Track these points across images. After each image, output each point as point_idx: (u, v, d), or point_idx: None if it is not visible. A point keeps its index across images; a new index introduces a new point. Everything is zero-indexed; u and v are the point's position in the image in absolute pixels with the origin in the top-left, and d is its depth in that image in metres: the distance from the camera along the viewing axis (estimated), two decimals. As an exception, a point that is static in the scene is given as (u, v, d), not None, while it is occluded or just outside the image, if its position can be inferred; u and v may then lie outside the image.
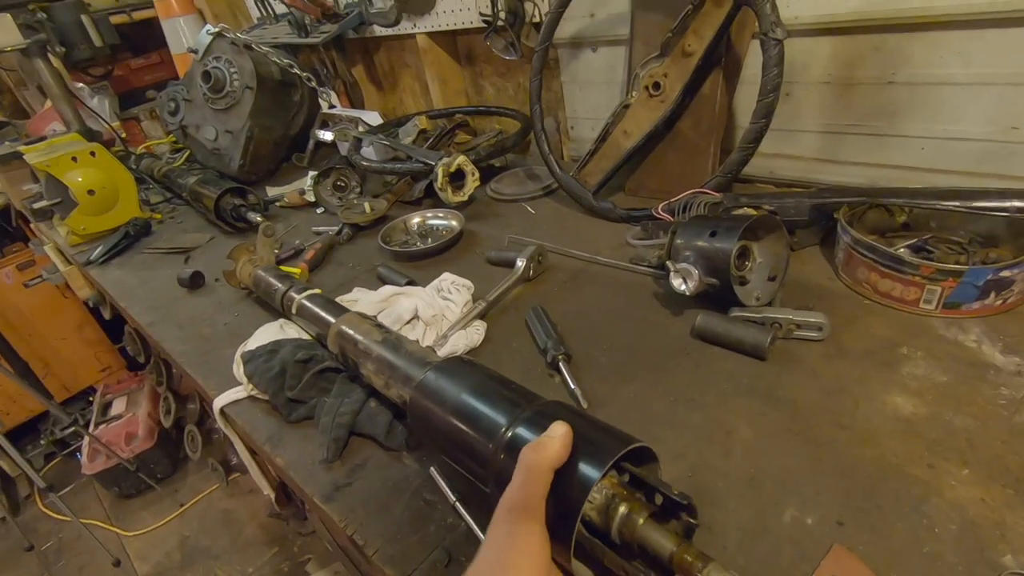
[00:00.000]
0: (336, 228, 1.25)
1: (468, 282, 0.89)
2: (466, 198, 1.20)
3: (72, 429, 2.48)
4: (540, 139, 1.16)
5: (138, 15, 2.33)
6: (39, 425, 2.58)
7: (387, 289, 0.90)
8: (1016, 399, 0.57)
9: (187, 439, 2.10)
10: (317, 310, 0.79)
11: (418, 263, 1.07)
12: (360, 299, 0.90)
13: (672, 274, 0.76)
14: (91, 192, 1.45)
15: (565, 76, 1.34)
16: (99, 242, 1.47)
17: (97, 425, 2.30)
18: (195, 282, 1.14)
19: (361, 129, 1.53)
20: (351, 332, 0.70)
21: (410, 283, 0.97)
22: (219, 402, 0.80)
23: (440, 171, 1.16)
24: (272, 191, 1.58)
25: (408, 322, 0.83)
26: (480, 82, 1.67)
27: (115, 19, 2.15)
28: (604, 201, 1.09)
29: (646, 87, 1.05)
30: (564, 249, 1.00)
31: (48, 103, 1.95)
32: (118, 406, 2.41)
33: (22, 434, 2.55)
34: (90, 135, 1.84)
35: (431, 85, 1.67)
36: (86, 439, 2.18)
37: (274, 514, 2.01)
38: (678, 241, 0.79)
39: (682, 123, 1.05)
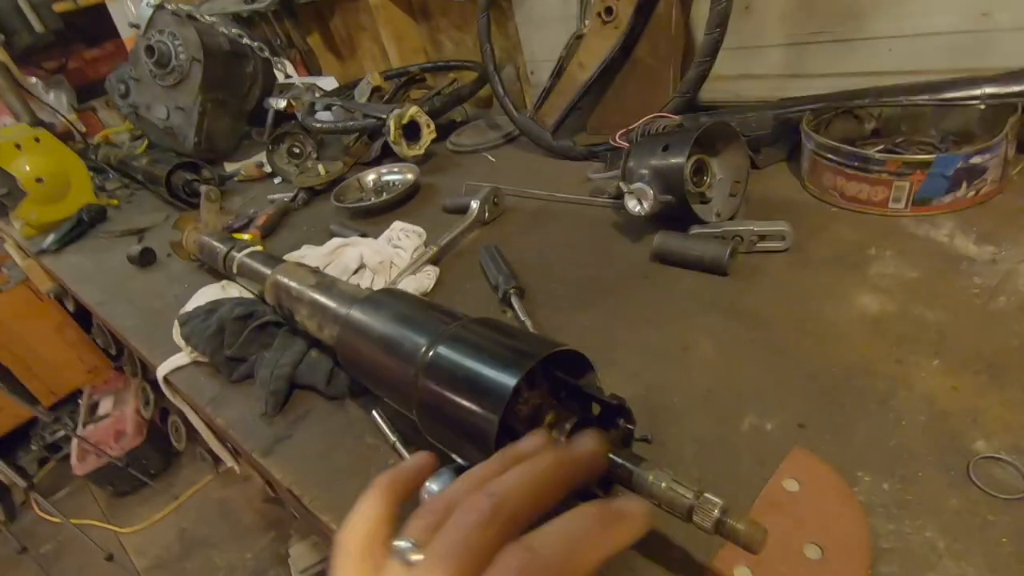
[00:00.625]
0: (291, 194, 1.20)
1: (419, 228, 0.85)
2: (422, 151, 1.15)
3: (62, 433, 2.46)
4: (494, 81, 1.10)
5: (84, 1, 2.24)
6: (30, 431, 2.56)
7: (333, 242, 0.85)
8: (990, 287, 0.53)
9: (171, 430, 2.07)
10: (256, 265, 0.75)
11: (374, 219, 1.02)
12: (307, 254, 0.85)
13: (626, 196, 0.72)
14: (39, 180, 1.40)
15: (520, 17, 1.27)
16: (53, 231, 1.42)
17: (85, 425, 2.27)
18: (145, 259, 1.09)
19: (317, 95, 1.47)
20: (285, 280, 0.66)
21: (362, 236, 0.92)
22: (162, 371, 0.75)
23: (392, 123, 1.10)
24: (230, 167, 1.53)
25: (355, 271, 0.78)
26: (438, 38, 1.60)
27: (60, 6, 2.07)
28: (564, 140, 1.04)
29: (598, 14, 0.99)
30: (522, 190, 0.95)
31: (-6, 96, 1.88)
32: (105, 405, 2.38)
33: (13, 441, 2.52)
34: (47, 128, 1.77)
35: (387, 45, 1.60)
36: (75, 441, 2.16)
37: (268, 499, 1.99)
38: (631, 164, 0.74)
39: (639, 49, 1.00)
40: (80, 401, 2.48)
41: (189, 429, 2.11)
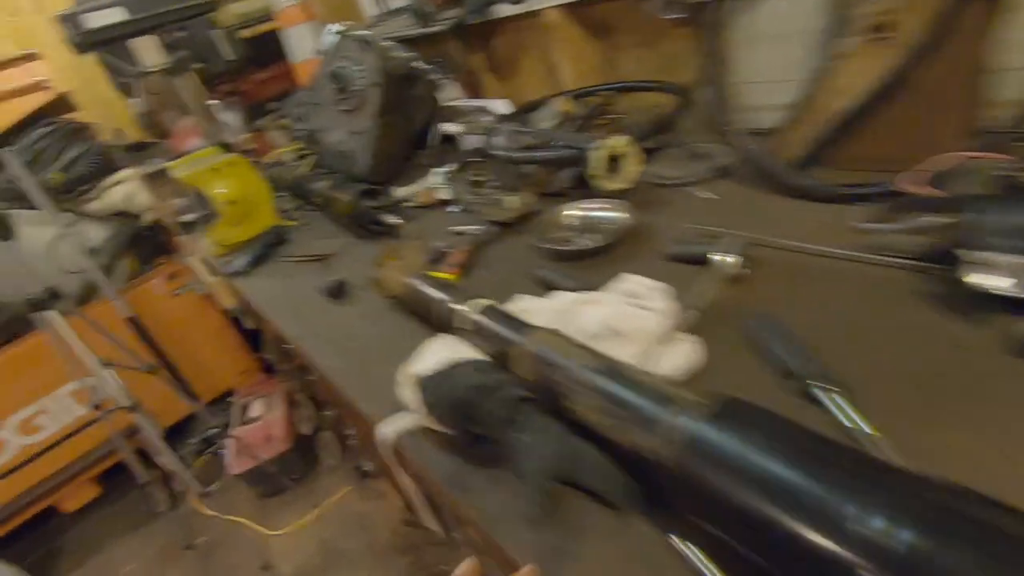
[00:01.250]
0: (478, 227, 1.14)
1: (665, 285, 0.73)
2: (626, 185, 1.04)
3: (217, 429, 2.63)
4: (718, 105, 0.97)
5: (261, 28, 2.39)
6: (188, 426, 2.77)
7: (564, 296, 0.76)
8: None
9: (321, 445, 2.12)
10: (496, 327, 0.67)
11: (582, 263, 0.93)
12: (530, 308, 0.76)
13: (972, 266, 0.55)
14: (232, 203, 1.45)
15: (733, 32, 1.13)
16: (240, 252, 1.48)
17: (239, 426, 2.41)
18: (338, 292, 1.07)
19: (490, 119, 1.42)
20: (554, 356, 0.57)
21: (581, 288, 0.82)
22: (385, 431, 0.70)
23: (596, 156, 1.01)
24: (399, 191, 1.51)
25: (596, 336, 0.68)
26: (616, 56, 1.49)
27: (244, 33, 2.22)
28: (802, 177, 0.88)
29: (867, 30, 0.83)
30: (771, 239, 0.81)
31: (186, 120, 2.03)
32: (256, 408, 2.51)
33: (173, 433, 2.73)
34: (228, 149, 1.89)
35: (561, 65, 1.52)
36: (230, 440, 2.29)
37: (409, 521, 1.98)
38: (975, 221, 0.57)
39: (922, 71, 0.82)
40: (232, 401, 2.64)
41: (343, 444, 2.16)
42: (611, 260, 0.91)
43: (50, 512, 2.49)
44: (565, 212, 1.02)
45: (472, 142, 1.55)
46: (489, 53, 1.83)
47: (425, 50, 1.85)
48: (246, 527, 2.29)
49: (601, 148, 1.00)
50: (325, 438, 2.06)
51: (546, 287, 0.88)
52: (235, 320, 2.63)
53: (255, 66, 2.72)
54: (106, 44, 1.68)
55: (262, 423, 2.37)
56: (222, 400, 2.81)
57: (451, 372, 0.66)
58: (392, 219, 1.21)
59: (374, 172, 1.59)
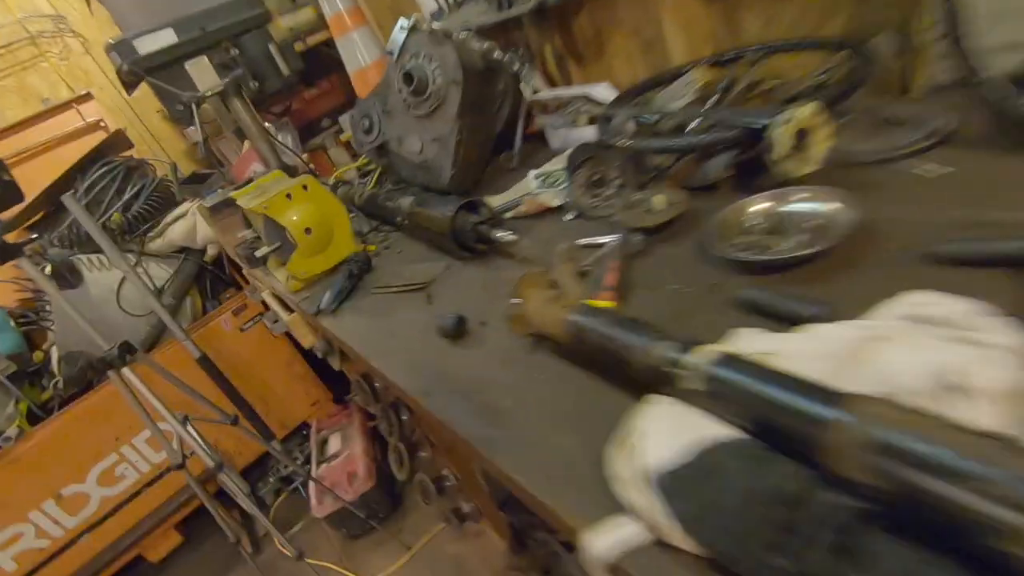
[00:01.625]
0: (612, 236, 0.92)
1: (984, 305, 0.50)
2: (815, 167, 0.80)
3: (293, 468, 2.51)
4: (955, 49, 0.72)
5: (312, 40, 2.25)
6: (266, 463, 2.66)
7: (826, 332, 0.53)
8: None
9: (418, 489, 1.95)
10: (765, 389, 0.45)
11: (790, 275, 0.70)
12: (775, 351, 0.54)
13: None
14: (308, 231, 1.29)
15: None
16: (319, 285, 1.31)
17: (319, 464, 2.27)
18: (458, 330, 0.88)
19: (596, 106, 1.20)
20: (912, 442, 0.35)
21: (815, 315, 0.59)
22: (599, 547, 0.49)
23: (782, 133, 0.77)
24: (496, 200, 1.31)
25: (924, 394, 0.45)
26: (737, 17, 1.25)
27: (296, 47, 2.08)
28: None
29: None
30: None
31: (246, 145, 1.90)
32: (334, 443, 2.37)
33: (248, 473, 2.63)
34: (288, 171, 1.74)
35: (671, 34, 1.29)
36: (312, 483, 2.15)
37: (513, 567, 1.78)
38: None
39: None
40: (309, 436, 2.51)
41: (412, 460, 1.99)
42: (833, 269, 0.68)
43: (137, 562, 2.41)
44: (751, 209, 0.79)
45: (574, 137, 1.33)
46: (571, 35, 1.61)
47: (501, 38, 1.65)
48: (335, 572, 2.14)
49: (790, 121, 0.77)
50: (421, 482, 1.88)
51: (757, 313, 0.66)
52: (302, 349, 2.50)
53: (303, 83, 2.60)
54: (158, 71, 1.55)
55: (343, 460, 2.22)
56: (295, 434, 2.70)
57: (715, 468, 0.44)
58: (502, 234, 1.01)
59: (459, 181, 1.40)
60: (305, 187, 1.29)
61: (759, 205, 0.79)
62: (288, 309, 1.46)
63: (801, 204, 0.76)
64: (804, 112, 0.78)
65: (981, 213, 0.65)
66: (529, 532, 1.63)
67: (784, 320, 0.62)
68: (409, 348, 0.93)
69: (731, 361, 0.50)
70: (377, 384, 1.71)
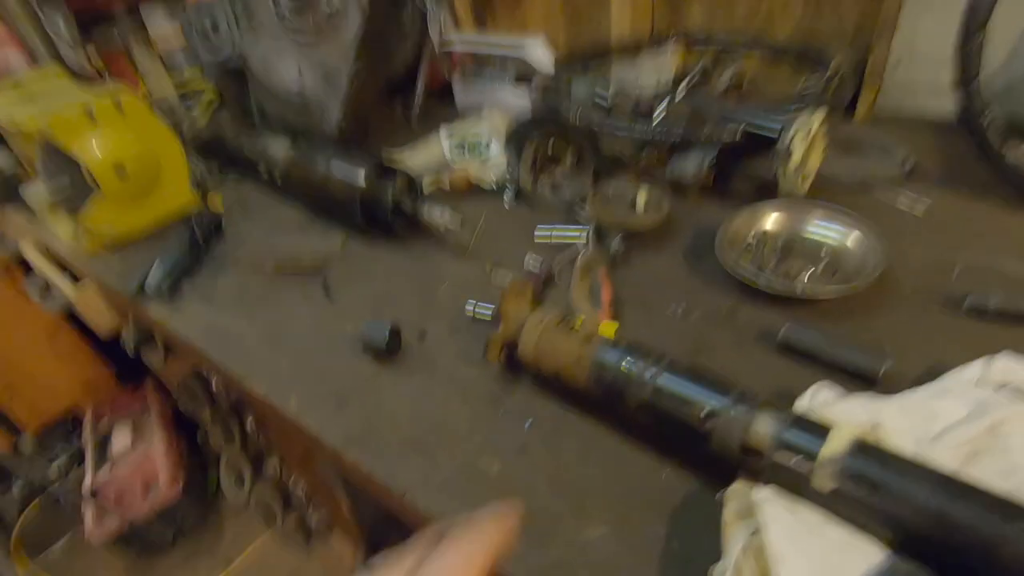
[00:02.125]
0: (579, 233, 0.77)
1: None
2: (810, 181, 0.74)
3: (57, 472, 1.92)
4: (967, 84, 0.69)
5: None
6: (7, 466, 1.98)
7: (941, 404, 0.44)
8: None
9: (259, 509, 1.59)
10: (938, 500, 0.34)
11: (810, 309, 0.62)
12: (884, 424, 0.44)
13: None
14: (120, 171, 0.88)
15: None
16: (134, 249, 0.92)
17: (97, 470, 1.74)
18: (393, 345, 0.64)
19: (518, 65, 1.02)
20: None
21: (886, 370, 0.52)
22: None
23: (798, 141, 0.69)
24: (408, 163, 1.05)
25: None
26: (681, 2, 1.15)
27: None
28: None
29: None
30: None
31: (-6, 21, 1.27)
32: (121, 439, 1.84)
33: (-16, 476, 1.94)
34: (73, 73, 1.21)
35: (617, 10, 1.15)
36: (87, 498, 1.64)
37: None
38: None
39: None
40: (82, 433, 1.93)
41: (254, 478, 1.64)
42: (852, 307, 0.61)
43: None
44: (762, 222, 0.69)
45: (496, 99, 1.12)
46: (484, -25, 1.37)
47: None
48: (120, 605, 1.68)
49: (805, 127, 0.69)
50: (261, 499, 1.52)
51: (798, 356, 0.56)
52: (76, 320, 1.88)
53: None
54: None
55: (135, 462, 1.74)
56: (60, 427, 2.06)
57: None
58: (442, 217, 0.77)
59: (347, 130, 1.10)
60: (119, 104, 0.87)
61: (770, 219, 0.70)
62: (74, 278, 1.01)
63: (820, 225, 0.68)
64: (816, 120, 0.70)
65: (990, 260, 0.64)
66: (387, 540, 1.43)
67: (840, 371, 0.54)
68: (311, 366, 0.66)
69: (873, 454, 0.38)
70: (215, 382, 1.32)
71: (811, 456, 0.39)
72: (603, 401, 0.50)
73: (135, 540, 1.71)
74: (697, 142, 0.78)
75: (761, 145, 0.75)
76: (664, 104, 0.85)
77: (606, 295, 0.63)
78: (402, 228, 0.85)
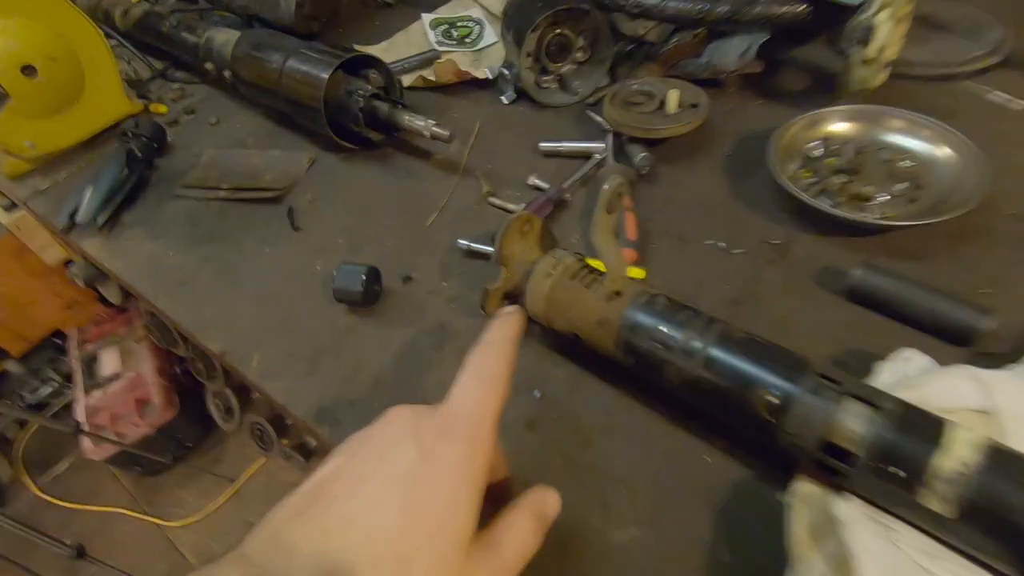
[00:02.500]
0: (598, 146, 0.62)
1: None
2: (887, 72, 0.59)
3: (50, 392, 1.89)
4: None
5: None
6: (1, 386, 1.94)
7: None
8: None
9: (250, 433, 1.55)
10: None
11: (878, 241, 0.50)
12: (999, 408, 0.34)
13: None
14: (29, 71, 0.72)
15: None
16: (65, 170, 0.78)
17: (89, 391, 1.70)
18: (371, 293, 0.53)
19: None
20: None
21: (990, 330, 0.41)
22: None
23: (885, 21, 0.53)
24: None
25: None
26: None
27: None
28: None
29: None
30: None
31: None
32: (109, 361, 1.78)
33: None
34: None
35: None
36: (79, 406, 1.61)
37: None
38: None
39: None
40: (69, 351, 1.86)
41: (242, 407, 1.61)
42: (935, 238, 0.49)
43: None
44: (824, 131, 0.55)
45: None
46: None
47: None
48: (130, 519, 1.72)
49: (892, 5, 0.52)
50: (255, 424, 1.49)
51: (870, 306, 0.45)
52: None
53: None
54: None
55: (126, 384, 1.69)
56: (44, 348, 2.00)
57: None
58: (423, 124, 0.62)
59: (308, 16, 0.91)
60: (15, -16, 0.69)
61: (836, 127, 0.55)
62: (12, 204, 0.88)
63: (901, 133, 0.54)
64: (904, -7, 0.53)
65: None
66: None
67: (925, 327, 0.43)
68: (275, 317, 0.55)
69: (1015, 466, 0.28)
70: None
71: (922, 467, 0.29)
72: (634, 371, 0.40)
73: (137, 460, 1.71)
74: (745, 21, 0.61)
75: (824, 25, 0.59)
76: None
77: (631, 229, 0.51)
78: (381, 139, 0.70)
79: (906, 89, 0.62)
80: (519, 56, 0.69)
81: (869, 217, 0.48)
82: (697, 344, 0.36)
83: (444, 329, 0.51)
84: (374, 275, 0.53)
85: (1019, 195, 0.51)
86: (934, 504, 0.29)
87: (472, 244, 0.55)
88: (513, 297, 0.45)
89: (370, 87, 0.67)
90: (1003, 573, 0.28)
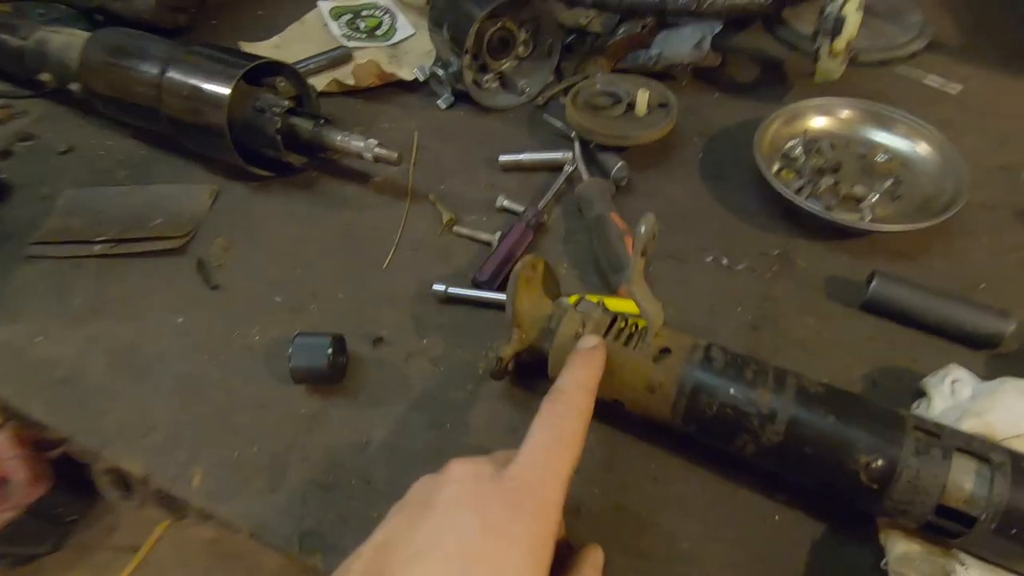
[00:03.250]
0: (563, 155, 0.56)
1: None
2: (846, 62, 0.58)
3: None
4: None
5: None
6: None
7: None
8: None
9: (104, 484, 1.32)
10: None
11: (871, 242, 0.49)
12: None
13: None
14: None
15: None
16: None
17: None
18: (338, 371, 0.42)
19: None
20: None
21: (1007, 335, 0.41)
22: None
23: (854, 10, 0.51)
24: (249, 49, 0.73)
25: None
26: None
27: None
28: None
29: None
30: None
31: None
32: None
33: None
34: None
35: None
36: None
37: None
38: None
39: None
40: None
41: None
42: (930, 239, 0.49)
43: None
44: (803, 128, 0.52)
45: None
46: None
47: None
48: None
49: (859, -7, 0.51)
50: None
51: (891, 318, 0.43)
52: None
53: None
54: None
55: (-26, 465, 1.38)
56: None
57: None
58: (360, 144, 0.51)
59: (171, 8, 0.74)
60: None
61: (813, 123, 0.53)
62: None
63: (871, 130, 0.53)
64: (865, -21, 0.52)
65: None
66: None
67: (943, 333, 0.42)
68: (208, 411, 0.43)
69: None
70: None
71: (1053, 525, 0.27)
72: (695, 437, 0.35)
73: (4, 552, 1.41)
74: (710, 11, 0.57)
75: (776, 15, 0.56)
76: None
77: (642, 261, 0.45)
78: (303, 163, 0.58)
79: (850, 77, 0.62)
80: (459, 53, 0.60)
81: (874, 225, 0.46)
82: (775, 406, 0.31)
83: (437, 400, 0.42)
84: (340, 345, 0.42)
85: (980, 182, 0.53)
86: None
87: (452, 289, 0.46)
88: (530, 361, 0.38)
89: (284, 100, 0.55)
90: None
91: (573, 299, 0.40)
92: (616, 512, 0.36)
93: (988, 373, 0.38)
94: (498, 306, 0.45)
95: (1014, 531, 0.27)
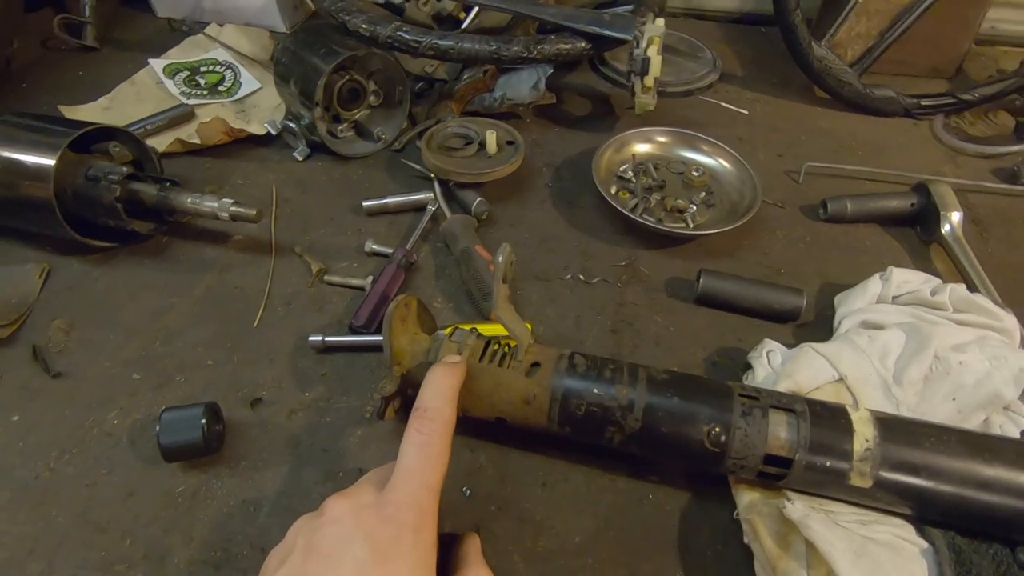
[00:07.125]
0: (424, 196, 0.59)
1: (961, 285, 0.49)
2: (655, 100, 0.68)
3: None
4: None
5: None
6: None
7: (883, 337, 0.43)
8: None
9: None
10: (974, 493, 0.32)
11: (695, 246, 0.57)
12: (847, 375, 0.41)
13: None
14: None
15: None
16: None
17: None
18: (215, 441, 0.41)
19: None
20: None
21: (798, 308, 0.50)
22: None
23: (651, 49, 0.60)
24: (73, 113, 0.68)
25: (992, 405, 0.41)
26: None
27: None
28: (880, 87, 0.73)
29: None
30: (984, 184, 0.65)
31: None
32: None
33: None
34: None
35: None
36: None
37: None
38: None
39: None
40: None
41: None
42: (740, 236, 0.59)
43: None
44: (632, 153, 0.60)
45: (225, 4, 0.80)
46: None
47: None
48: None
49: (656, 33, 0.60)
50: None
51: (719, 307, 0.51)
52: None
53: None
54: None
55: None
56: None
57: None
58: (209, 203, 0.50)
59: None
60: None
61: (639, 148, 0.61)
62: None
63: (685, 151, 0.62)
64: (660, 26, 0.62)
65: (823, 157, 0.67)
66: None
67: (758, 313, 0.50)
68: (65, 513, 0.39)
69: (900, 431, 0.34)
70: None
71: (846, 453, 0.34)
72: (569, 437, 0.39)
73: None
74: (537, 59, 0.64)
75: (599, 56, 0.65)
76: (474, 10, 0.67)
77: (505, 290, 0.49)
78: (150, 230, 0.55)
79: (664, 106, 0.72)
80: (309, 107, 0.60)
81: (697, 231, 0.54)
82: (632, 396, 0.36)
83: (328, 452, 0.42)
84: (214, 413, 0.41)
85: (771, 186, 0.64)
86: (857, 480, 0.34)
87: (330, 338, 0.46)
88: (415, 396, 0.39)
89: (120, 167, 0.52)
90: (915, 516, 0.35)
91: (448, 331, 0.42)
92: (514, 522, 0.39)
93: (794, 341, 0.47)
94: (379, 348, 0.47)
95: (818, 463, 0.34)
